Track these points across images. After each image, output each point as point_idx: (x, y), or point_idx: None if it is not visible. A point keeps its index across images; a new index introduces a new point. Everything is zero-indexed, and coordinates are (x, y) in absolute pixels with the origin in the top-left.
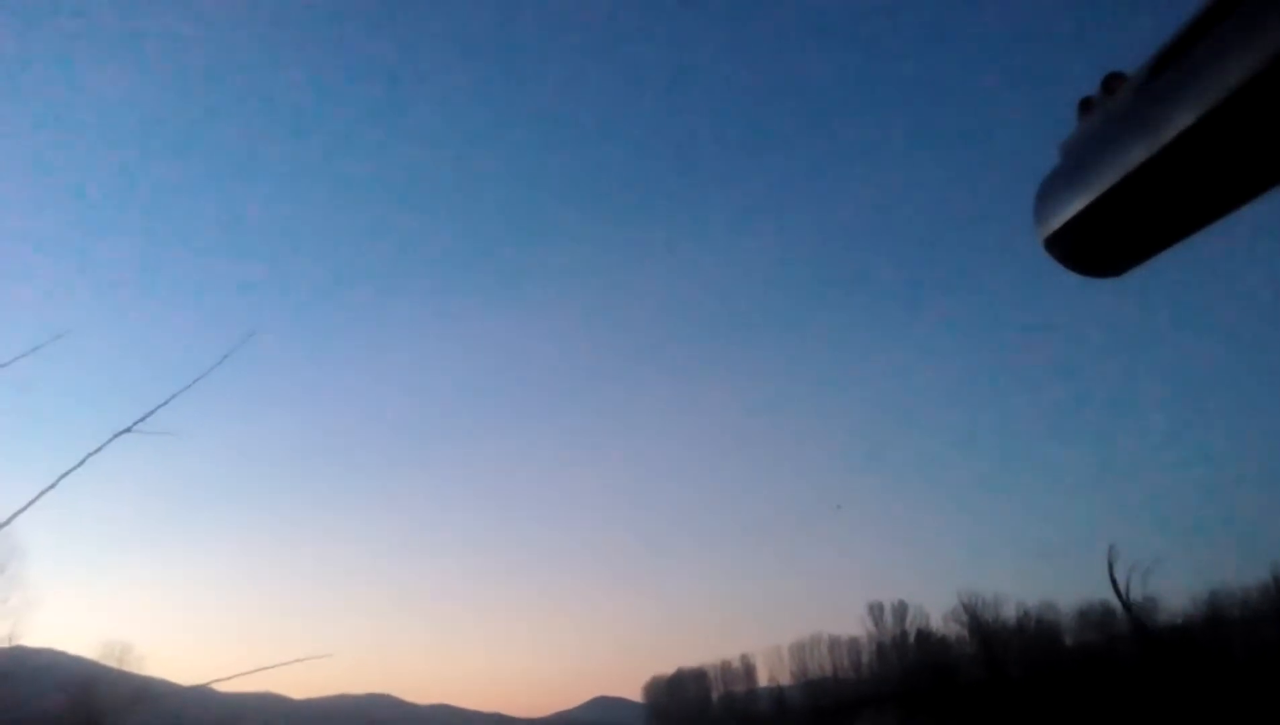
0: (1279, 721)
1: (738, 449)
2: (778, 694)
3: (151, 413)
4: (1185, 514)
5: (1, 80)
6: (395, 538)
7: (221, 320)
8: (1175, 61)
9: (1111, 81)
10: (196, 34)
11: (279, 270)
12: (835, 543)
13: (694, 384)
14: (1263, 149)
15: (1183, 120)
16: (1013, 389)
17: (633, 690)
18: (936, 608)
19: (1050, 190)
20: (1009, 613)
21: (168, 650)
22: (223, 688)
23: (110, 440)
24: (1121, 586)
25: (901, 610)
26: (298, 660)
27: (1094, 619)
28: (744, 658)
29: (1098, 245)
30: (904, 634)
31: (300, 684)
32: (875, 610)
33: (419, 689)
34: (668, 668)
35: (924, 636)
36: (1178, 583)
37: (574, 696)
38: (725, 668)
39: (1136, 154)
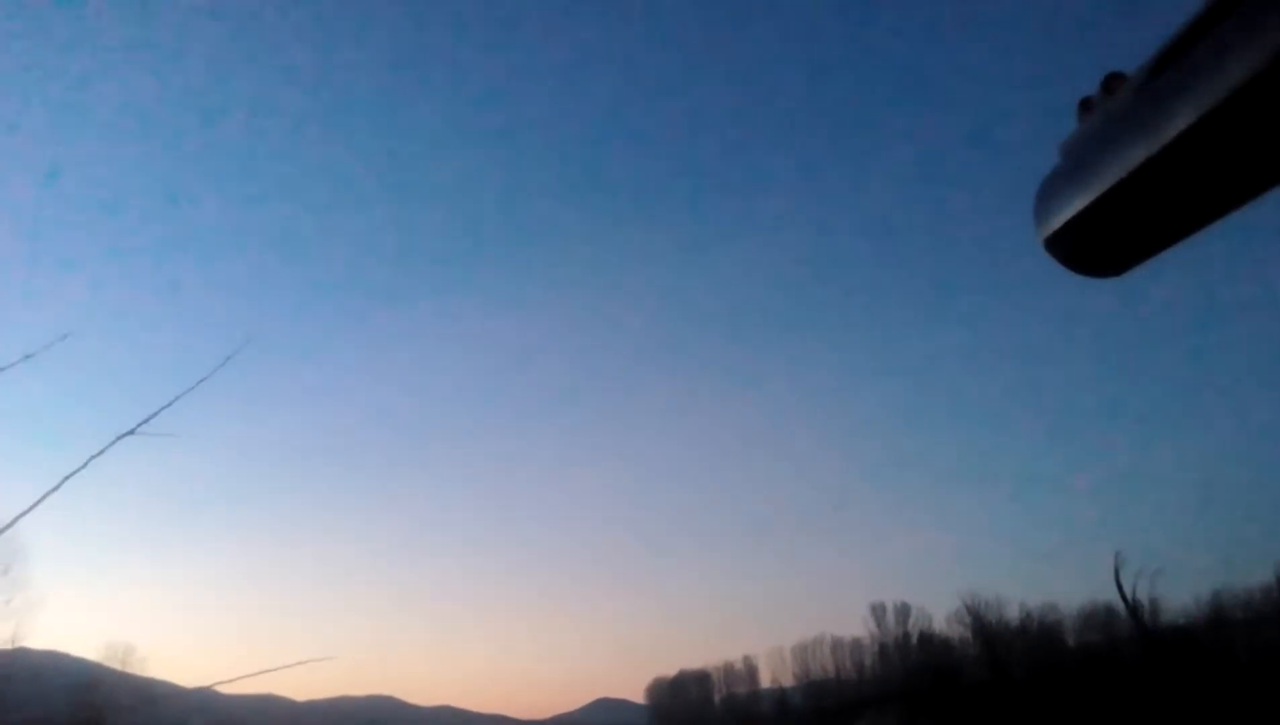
0: None
1: (739, 450)
2: (780, 695)
3: (155, 415)
4: (1188, 515)
5: (2, 82)
6: (397, 539)
7: (223, 323)
8: (1175, 61)
9: (1111, 81)
10: (197, 37)
11: (280, 272)
12: (837, 544)
13: (695, 385)
14: (1263, 149)
15: (1183, 120)
16: (1015, 390)
17: (635, 692)
18: (939, 609)
19: (1050, 190)
20: (1011, 614)
21: (170, 652)
22: (225, 689)
23: (113, 442)
24: (1128, 592)
25: (904, 611)
26: (301, 662)
27: (1097, 620)
28: (746, 659)
29: (1098, 245)
30: (906, 635)
31: (302, 686)
32: (878, 611)
33: (421, 690)
34: (670, 669)
35: (926, 638)
36: (1181, 584)
37: (576, 698)
38: (727, 669)
39: (1136, 154)
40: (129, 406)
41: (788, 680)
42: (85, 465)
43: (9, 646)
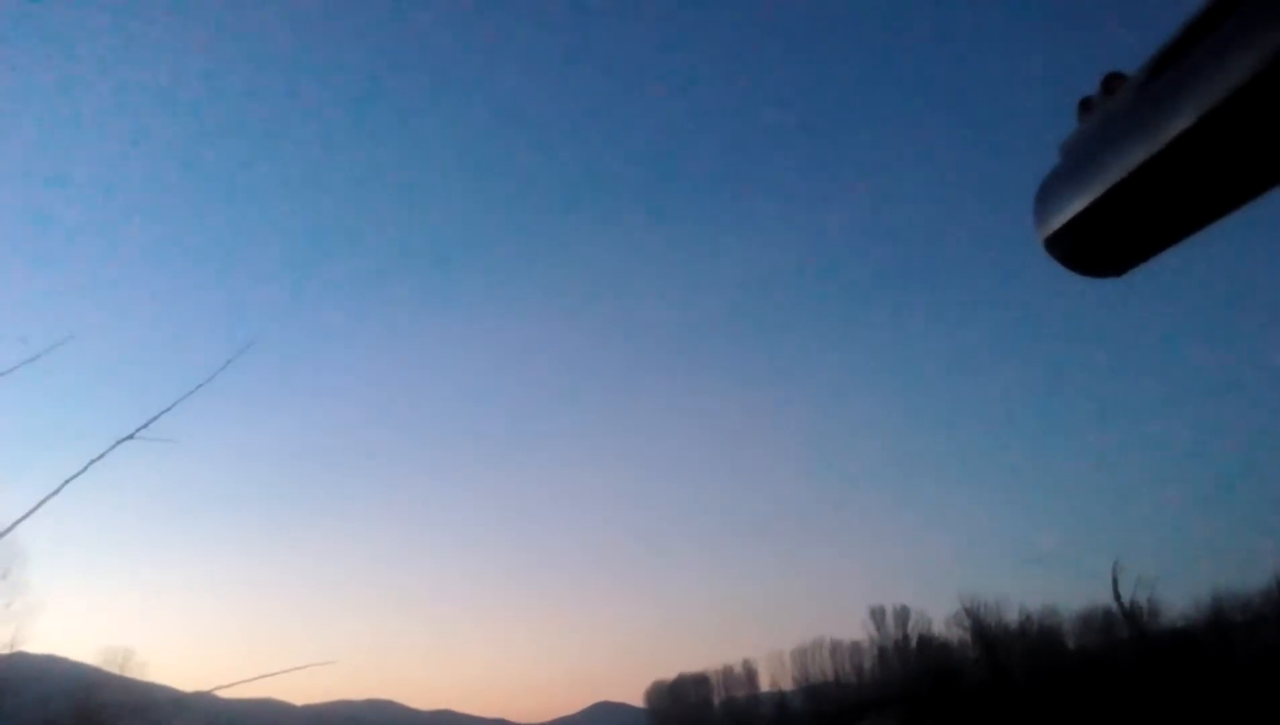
0: None
1: (739, 453)
2: (779, 699)
3: (154, 419)
4: (1188, 517)
5: (3, 86)
6: (396, 542)
7: (223, 327)
8: (1175, 61)
9: (1111, 81)
10: (196, 40)
11: (278, 277)
12: (837, 547)
13: (694, 387)
14: (1263, 149)
15: (1183, 120)
16: (1015, 392)
17: (634, 695)
18: (938, 612)
19: (1050, 190)
20: (1011, 617)
21: (169, 656)
22: (224, 693)
23: (113, 447)
24: (1126, 601)
25: (903, 614)
26: (301, 667)
27: (1097, 623)
28: (746, 662)
29: (1098, 245)
30: (906, 638)
31: (302, 690)
32: (877, 614)
33: (420, 694)
34: (669, 673)
35: (926, 641)
36: (1180, 586)
37: (575, 701)
38: (727, 673)
39: (1136, 154)
40: (129, 411)
41: (787, 684)
42: (85, 469)
43: (8, 650)
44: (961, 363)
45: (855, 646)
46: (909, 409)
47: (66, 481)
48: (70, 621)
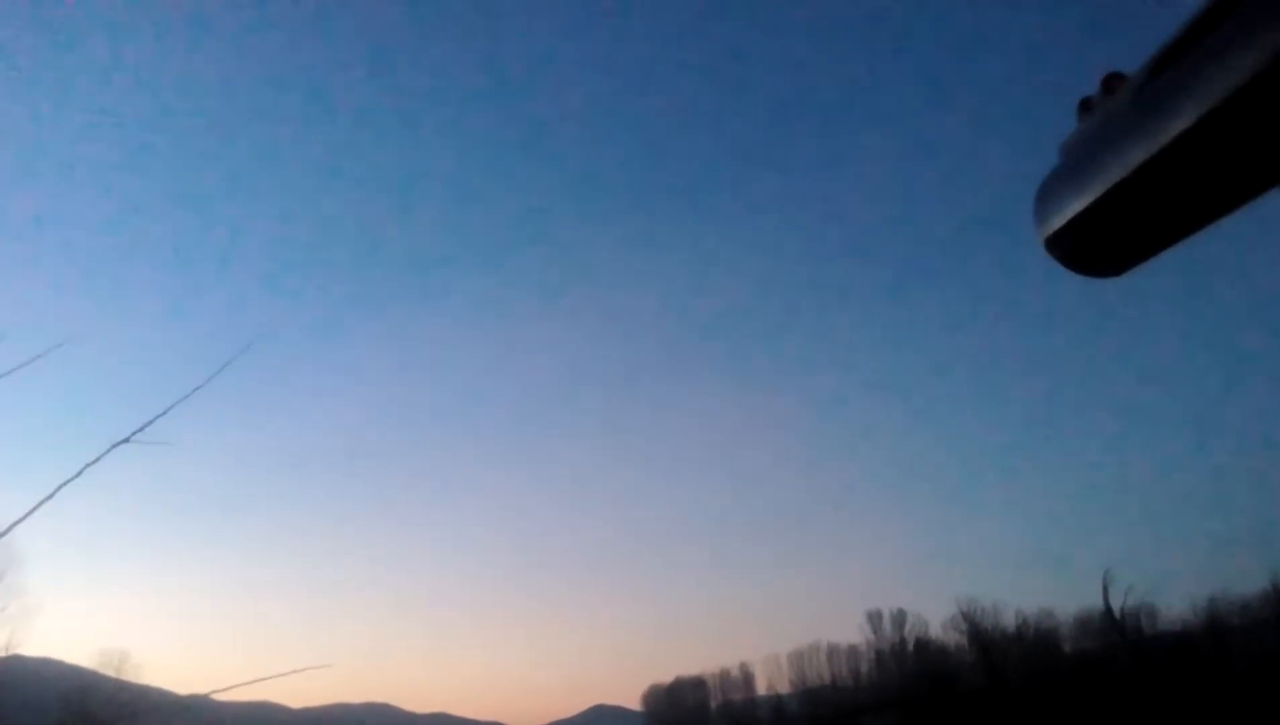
0: None
1: (736, 455)
2: (776, 702)
3: (149, 423)
4: (1185, 520)
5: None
6: (393, 545)
7: (220, 329)
8: (1175, 61)
9: (1111, 81)
10: (194, 41)
11: (275, 279)
12: (834, 550)
13: (691, 390)
14: (1263, 149)
15: (1183, 120)
16: (1012, 395)
17: (631, 699)
18: (935, 615)
19: (1050, 190)
20: (1008, 620)
21: (165, 659)
22: (220, 697)
23: (108, 451)
24: (1117, 612)
25: (900, 618)
26: (298, 670)
27: (1093, 627)
28: (743, 666)
29: (1098, 245)
30: (903, 642)
31: (298, 693)
32: (874, 618)
33: (417, 697)
34: (666, 676)
35: (923, 644)
36: (1177, 590)
37: (572, 705)
38: (724, 676)
39: (1136, 154)
40: (124, 414)
41: (784, 687)
42: (80, 473)
43: (3, 654)
44: (959, 364)
45: (852, 650)
46: (906, 411)
47: (61, 485)
48: (66, 624)
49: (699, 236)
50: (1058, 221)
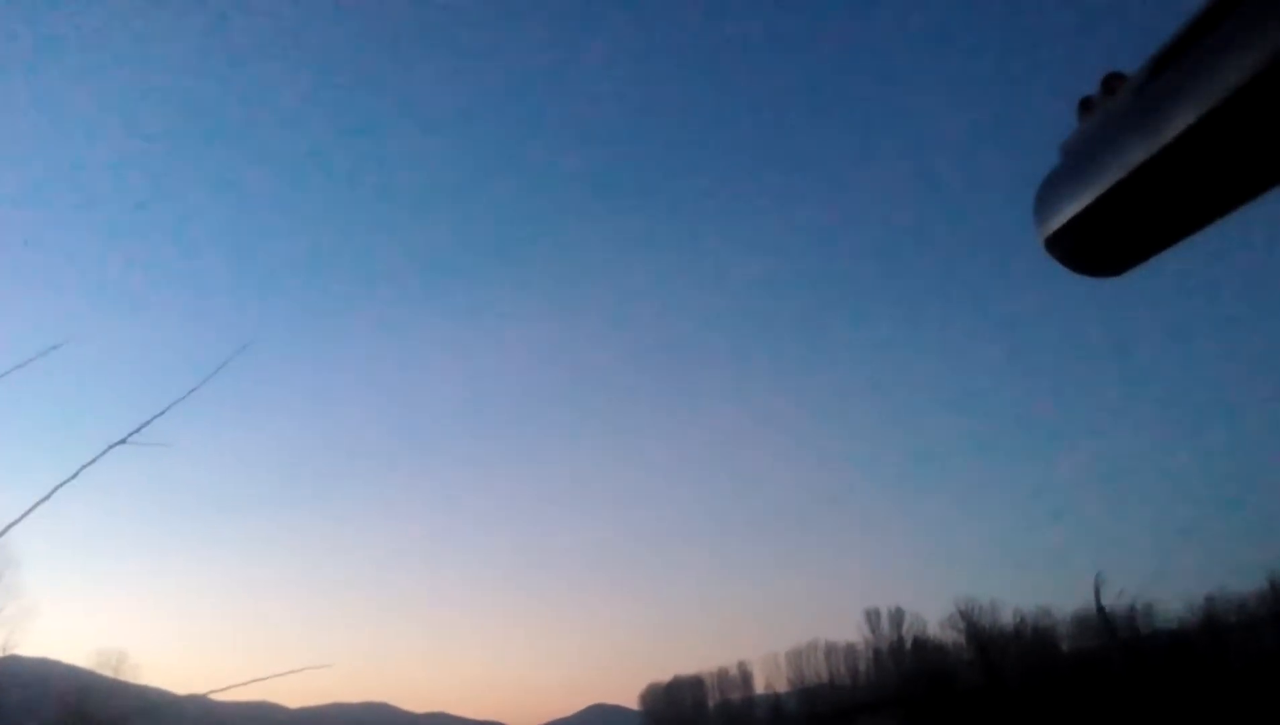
0: None
1: (734, 455)
2: (774, 701)
3: (146, 424)
4: (1183, 520)
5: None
6: (391, 545)
7: (218, 329)
8: (1175, 61)
9: (1111, 81)
10: (193, 42)
11: (272, 279)
12: (832, 549)
13: (689, 390)
14: (1263, 149)
15: (1183, 120)
16: (1010, 394)
17: (629, 698)
18: (933, 614)
19: (1050, 190)
20: (1006, 619)
21: (163, 659)
22: (219, 697)
23: (105, 452)
24: (1108, 613)
25: (898, 617)
26: (296, 670)
27: (1091, 626)
28: (741, 665)
29: (1098, 245)
30: (901, 640)
31: (296, 693)
32: (872, 617)
33: (415, 697)
34: (664, 675)
35: (921, 643)
36: (1175, 588)
37: (570, 704)
38: (722, 675)
39: (1136, 154)
40: (121, 414)
41: (782, 686)
42: (76, 474)
43: (1, 654)
44: (957, 364)
45: (850, 648)
46: (904, 411)
47: (58, 486)
48: (64, 625)
49: (699, 236)
50: (1058, 221)
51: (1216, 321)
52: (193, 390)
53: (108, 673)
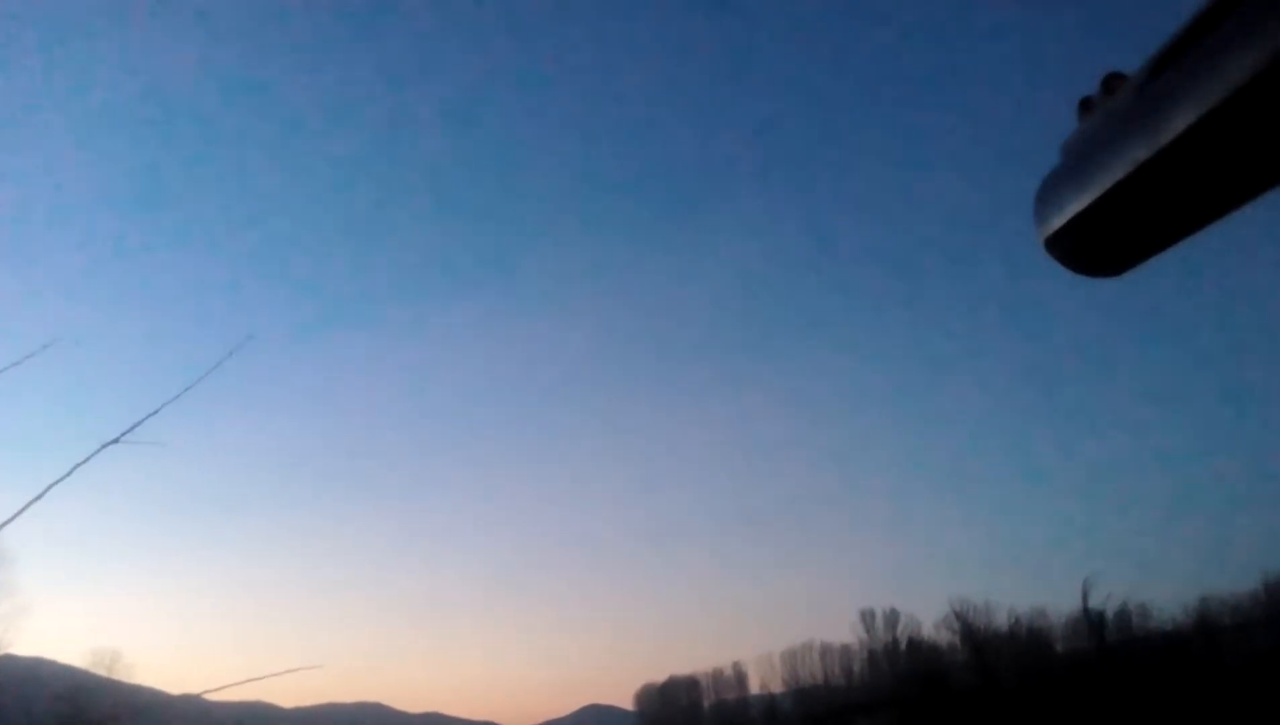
0: None
1: (730, 456)
2: (769, 702)
3: (140, 423)
4: (1177, 521)
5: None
6: (386, 545)
7: (213, 327)
8: (1175, 61)
9: (1111, 81)
10: (191, 39)
11: (268, 278)
12: (827, 550)
13: (685, 390)
14: (1263, 149)
15: (1183, 120)
16: (1006, 396)
17: (624, 698)
18: (928, 615)
19: (1050, 190)
20: (1001, 620)
21: (157, 659)
22: (212, 697)
23: (98, 451)
24: (1096, 617)
25: (893, 617)
26: (290, 670)
27: (1085, 627)
28: (736, 665)
29: (1098, 245)
30: (895, 641)
31: (290, 693)
32: (867, 617)
33: (409, 697)
34: (659, 675)
35: (915, 644)
36: (1168, 590)
37: (565, 704)
38: (717, 675)
39: (1136, 154)
40: (115, 413)
41: (777, 686)
42: (70, 473)
43: None
44: (954, 365)
45: (845, 649)
46: (901, 412)
47: (51, 485)
48: (58, 624)
49: (699, 236)
50: (1058, 221)
51: (1213, 324)
52: (186, 389)
53: (102, 672)
